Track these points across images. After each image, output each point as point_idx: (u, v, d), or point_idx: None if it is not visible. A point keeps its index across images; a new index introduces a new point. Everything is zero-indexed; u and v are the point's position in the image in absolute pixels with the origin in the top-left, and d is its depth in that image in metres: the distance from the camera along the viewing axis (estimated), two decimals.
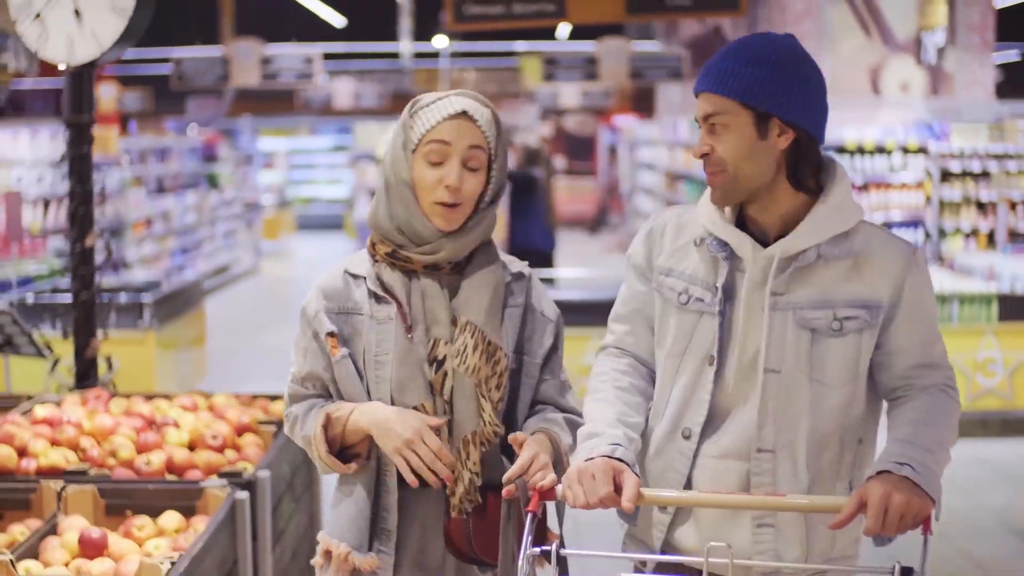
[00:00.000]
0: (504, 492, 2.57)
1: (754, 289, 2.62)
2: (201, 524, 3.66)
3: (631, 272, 2.82)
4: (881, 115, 13.17)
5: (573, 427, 2.82)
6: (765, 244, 2.62)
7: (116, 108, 19.26)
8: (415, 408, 2.73)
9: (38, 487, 3.83)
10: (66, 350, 5.69)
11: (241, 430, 4.46)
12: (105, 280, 10.71)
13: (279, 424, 4.57)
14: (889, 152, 12.70)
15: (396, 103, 26.18)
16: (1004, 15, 14.57)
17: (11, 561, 3.17)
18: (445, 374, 2.73)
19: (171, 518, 3.64)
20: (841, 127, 13.00)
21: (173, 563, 3.19)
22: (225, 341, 12.11)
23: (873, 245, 2.62)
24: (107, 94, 19.84)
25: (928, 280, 2.67)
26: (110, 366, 5.71)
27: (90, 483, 3.82)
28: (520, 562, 2.44)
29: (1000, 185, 12.35)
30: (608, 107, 26.85)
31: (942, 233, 12.51)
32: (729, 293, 2.64)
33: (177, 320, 8.92)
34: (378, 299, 2.77)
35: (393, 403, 2.74)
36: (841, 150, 12.69)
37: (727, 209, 2.67)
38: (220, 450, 4.26)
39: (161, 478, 4.00)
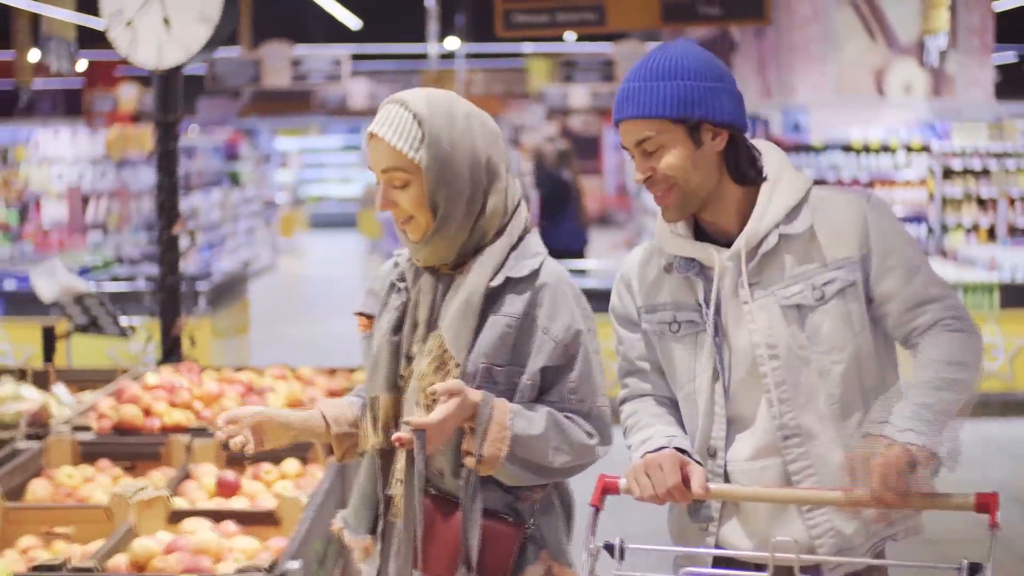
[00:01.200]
0: (395, 439, 2.59)
1: (732, 290, 2.62)
2: (317, 471, 4.19)
3: (617, 325, 2.79)
4: (885, 115, 13.72)
5: (558, 426, 2.67)
6: (728, 246, 2.62)
7: (137, 108, 19.81)
8: (372, 398, 2.75)
9: (167, 441, 4.36)
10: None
11: (332, 395, 5.00)
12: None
13: None
14: (893, 151, 13.25)
15: None
16: (1001, 18, 15.10)
17: (168, 496, 3.70)
18: (411, 372, 2.73)
19: (292, 464, 4.18)
20: (847, 127, 13.56)
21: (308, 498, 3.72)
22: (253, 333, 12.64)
23: (826, 206, 2.63)
24: (127, 94, 20.39)
25: (891, 218, 2.65)
26: (193, 343, 6.26)
27: (213, 437, 4.35)
28: (584, 557, 2.46)
29: (1000, 182, 12.87)
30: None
31: (944, 228, 13.05)
32: (713, 305, 2.63)
33: (228, 307, 9.47)
34: (397, 289, 2.80)
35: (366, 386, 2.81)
36: (847, 149, 13.25)
37: (680, 226, 2.66)
38: None
39: None
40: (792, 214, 2.61)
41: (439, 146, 2.63)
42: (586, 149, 30.57)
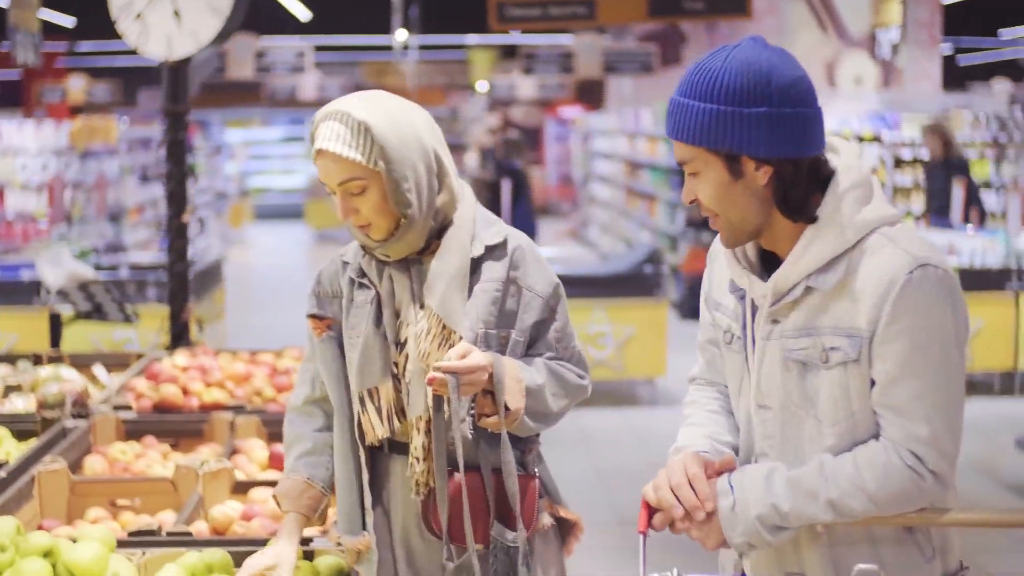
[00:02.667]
0: (428, 380, 2.66)
1: (761, 326, 2.44)
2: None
3: (701, 299, 2.68)
4: (837, 107, 14.05)
5: (554, 373, 2.84)
6: None
7: (87, 99, 19.77)
8: (368, 391, 2.82)
9: (209, 418, 4.53)
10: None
11: None
12: (139, 259, 11.36)
13: None
14: (845, 141, 13.58)
15: None
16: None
17: (229, 470, 3.87)
18: (407, 357, 2.80)
19: None
20: None
21: None
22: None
23: (867, 262, 2.30)
24: (76, 86, 20.33)
25: (924, 307, 2.26)
26: (201, 328, 6.41)
27: (255, 414, 4.52)
28: None
29: None
30: (557, 99, 27.64)
31: None
32: (748, 333, 2.48)
33: (208, 294, 9.61)
34: (360, 285, 2.86)
35: (356, 381, 2.86)
36: None
37: (748, 245, 2.47)
38: None
39: None
40: (828, 266, 2.33)
41: (389, 148, 2.71)
42: (529, 140, 30.85)
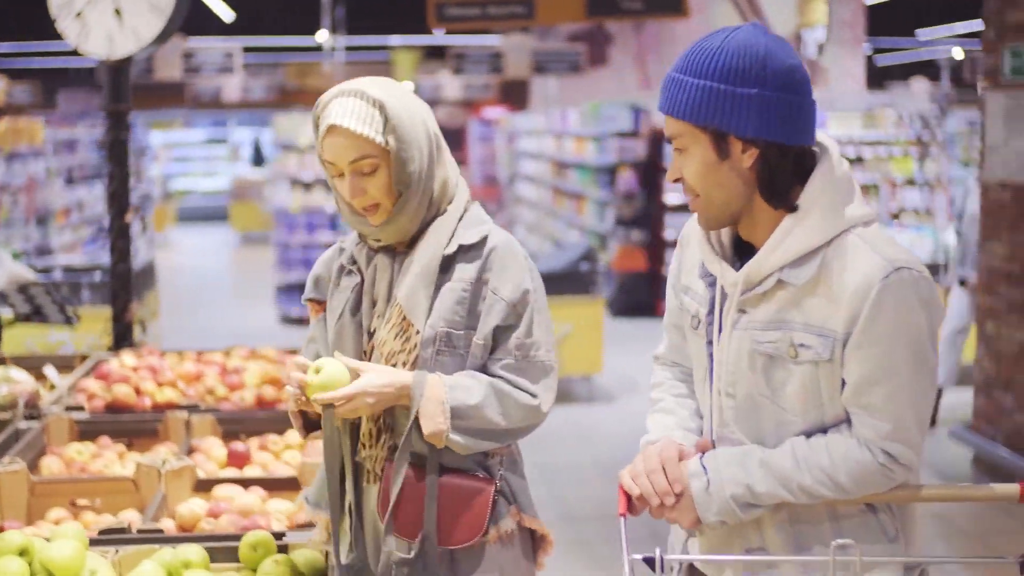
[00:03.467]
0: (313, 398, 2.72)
1: (728, 314, 2.46)
2: (317, 441, 4.38)
3: (668, 283, 2.70)
4: None
5: (499, 392, 2.79)
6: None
7: (6, 101, 19.47)
8: None
9: (164, 418, 4.51)
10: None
11: None
12: (68, 261, 11.23)
13: None
14: None
15: (283, 96, 26.67)
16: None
17: (192, 468, 3.86)
18: (373, 347, 2.84)
19: (295, 435, 4.36)
20: None
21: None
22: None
23: (842, 262, 2.32)
24: None
25: (900, 311, 2.28)
26: (143, 329, 6.36)
27: (209, 413, 4.50)
28: (625, 571, 2.35)
29: (873, 169, 13.45)
30: (482, 99, 27.67)
31: None
32: (717, 319, 2.50)
33: (143, 296, 9.53)
34: (347, 271, 2.90)
35: None
36: None
37: (723, 231, 2.49)
38: None
39: (268, 408, 4.71)
40: (802, 260, 2.34)
41: (402, 127, 2.74)
42: (452, 141, 30.87)
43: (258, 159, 29.36)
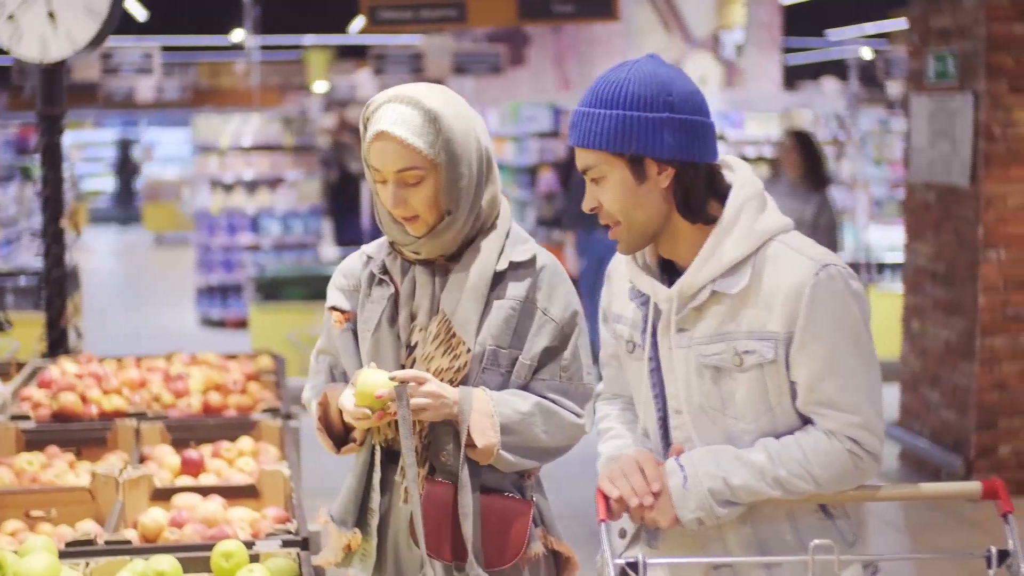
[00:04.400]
0: (377, 395, 2.63)
1: (665, 331, 2.53)
2: (269, 447, 4.37)
3: (600, 318, 2.76)
4: None
5: (544, 410, 2.76)
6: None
7: None
8: None
9: (112, 426, 4.47)
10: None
11: (249, 379, 5.16)
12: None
13: (277, 372, 5.29)
14: None
15: (197, 96, 26.42)
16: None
17: (150, 477, 3.83)
18: (414, 360, 2.77)
19: (247, 442, 4.35)
20: None
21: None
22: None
23: (772, 268, 2.44)
24: None
25: (837, 301, 2.42)
26: (79, 335, 6.30)
27: (159, 420, 4.48)
28: (608, 572, 2.41)
29: None
30: None
31: None
32: (648, 340, 2.58)
33: (68, 300, 9.41)
34: (379, 281, 2.82)
35: None
36: None
37: (647, 251, 2.57)
38: (241, 393, 4.95)
39: (216, 415, 4.69)
40: (733, 270, 2.45)
41: (454, 142, 2.67)
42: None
43: (123, 166, 28.95)
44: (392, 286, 2.82)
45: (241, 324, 13.01)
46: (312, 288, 9.83)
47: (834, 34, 25.58)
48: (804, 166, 7.87)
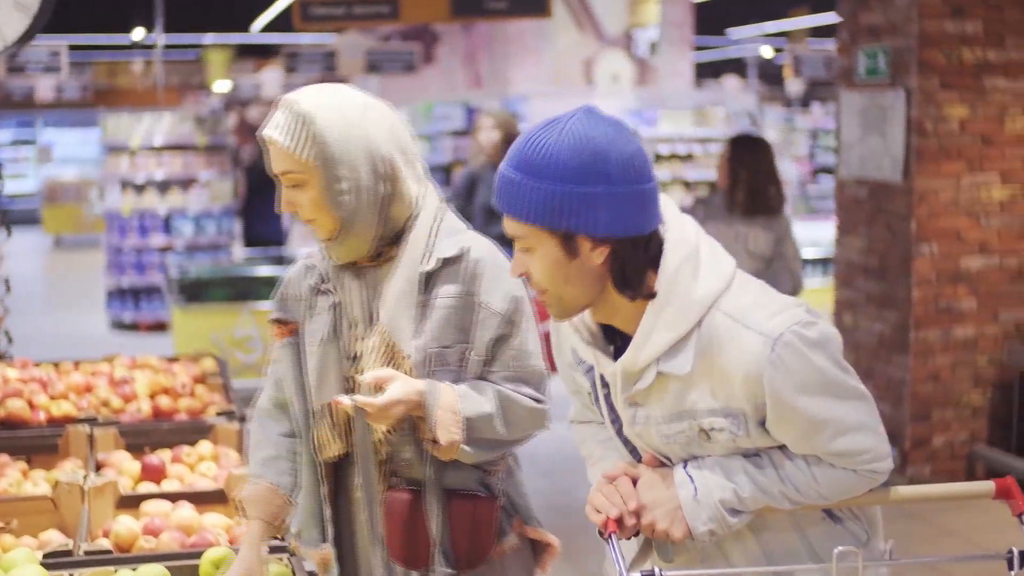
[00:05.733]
0: (334, 400, 2.63)
1: (620, 404, 2.39)
2: (228, 451, 4.27)
3: (554, 348, 2.59)
4: (596, 104, 14.39)
5: (505, 400, 2.71)
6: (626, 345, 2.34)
7: None
8: (323, 406, 2.75)
9: (64, 432, 4.33)
10: None
11: (197, 382, 5.05)
12: None
13: (222, 375, 5.18)
14: None
15: (96, 96, 25.99)
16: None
17: (115, 484, 3.71)
18: (361, 371, 2.70)
19: (207, 446, 4.25)
20: None
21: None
22: None
23: (718, 349, 2.24)
24: None
25: (800, 374, 2.22)
26: (10, 340, 6.13)
27: (111, 425, 4.35)
28: None
29: (704, 166, 13.73)
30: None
31: None
32: (606, 409, 2.46)
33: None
34: (321, 291, 2.79)
35: (313, 394, 2.79)
36: None
37: (585, 315, 2.39)
38: (190, 396, 4.84)
39: (168, 419, 4.58)
40: (675, 349, 2.26)
41: (330, 144, 2.61)
42: None
43: None
44: (334, 295, 2.77)
45: (156, 327, 12.78)
46: (236, 289, 9.69)
47: (734, 33, 25.87)
48: (749, 181, 6.56)
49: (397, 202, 2.69)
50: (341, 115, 2.64)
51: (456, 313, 2.68)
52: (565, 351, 2.53)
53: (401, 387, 2.58)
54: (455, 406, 2.62)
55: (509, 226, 2.26)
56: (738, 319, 2.23)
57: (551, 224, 2.18)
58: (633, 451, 2.47)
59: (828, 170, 16.87)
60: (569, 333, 2.43)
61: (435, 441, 2.62)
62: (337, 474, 2.83)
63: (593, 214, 2.17)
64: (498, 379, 2.72)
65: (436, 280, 2.69)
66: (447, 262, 2.69)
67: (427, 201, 2.75)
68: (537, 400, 2.74)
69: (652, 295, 2.24)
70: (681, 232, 2.28)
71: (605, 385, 2.41)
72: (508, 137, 7.77)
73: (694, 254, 2.27)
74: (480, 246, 2.73)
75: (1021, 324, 7.25)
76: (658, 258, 2.25)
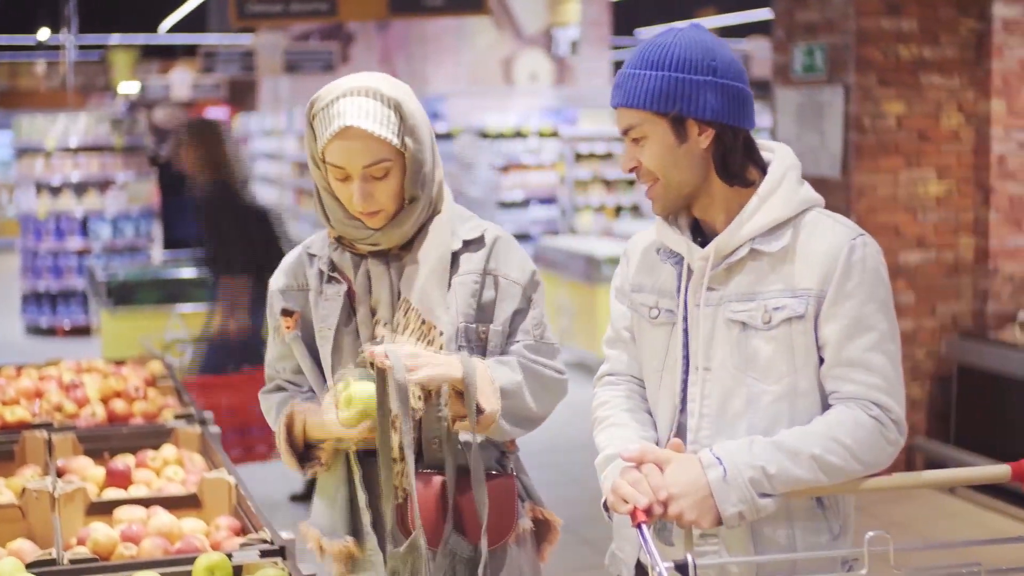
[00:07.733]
0: (369, 354, 2.59)
1: (697, 290, 2.54)
2: (192, 455, 4.17)
3: (613, 296, 2.76)
4: (515, 103, 14.39)
5: (530, 371, 2.75)
6: None
7: None
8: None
9: (20, 438, 4.21)
10: None
11: (149, 385, 4.94)
12: None
13: (172, 377, 5.08)
14: (526, 136, 13.95)
15: (2, 98, 25.49)
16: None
17: (85, 490, 3.61)
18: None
19: (170, 450, 4.15)
20: (482, 114, 14.13)
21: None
22: None
23: (813, 231, 2.48)
24: None
25: (871, 267, 2.45)
26: None
27: (68, 431, 4.23)
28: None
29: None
30: (205, 101, 27.06)
31: (575, 208, 13.86)
32: (682, 298, 2.58)
33: None
34: (329, 278, 2.76)
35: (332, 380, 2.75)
36: (483, 135, 13.82)
37: (681, 215, 2.59)
38: (144, 399, 4.74)
39: (124, 423, 4.47)
40: (774, 231, 2.50)
41: (418, 128, 2.65)
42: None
43: None
44: (345, 283, 2.75)
45: (75, 332, 12.54)
46: (165, 292, 9.53)
47: (643, 33, 26.03)
48: None
49: (438, 186, 2.77)
50: (411, 96, 2.68)
51: (479, 290, 2.74)
52: (632, 271, 2.70)
53: (436, 361, 2.60)
54: (489, 375, 2.65)
55: (625, 118, 2.51)
56: (829, 217, 2.52)
57: (664, 107, 2.44)
58: (684, 359, 2.55)
59: None
60: (659, 231, 2.61)
61: (479, 411, 2.61)
62: (364, 463, 2.77)
63: (702, 98, 2.45)
64: (521, 349, 2.76)
65: (459, 260, 2.75)
66: (468, 243, 2.76)
67: (446, 188, 2.83)
68: (558, 371, 2.80)
69: (751, 184, 2.52)
70: (786, 151, 2.58)
71: (688, 278, 2.57)
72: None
73: (798, 167, 2.57)
74: (494, 228, 2.83)
75: (958, 317, 7.35)
76: (757, 157, 2.55)
